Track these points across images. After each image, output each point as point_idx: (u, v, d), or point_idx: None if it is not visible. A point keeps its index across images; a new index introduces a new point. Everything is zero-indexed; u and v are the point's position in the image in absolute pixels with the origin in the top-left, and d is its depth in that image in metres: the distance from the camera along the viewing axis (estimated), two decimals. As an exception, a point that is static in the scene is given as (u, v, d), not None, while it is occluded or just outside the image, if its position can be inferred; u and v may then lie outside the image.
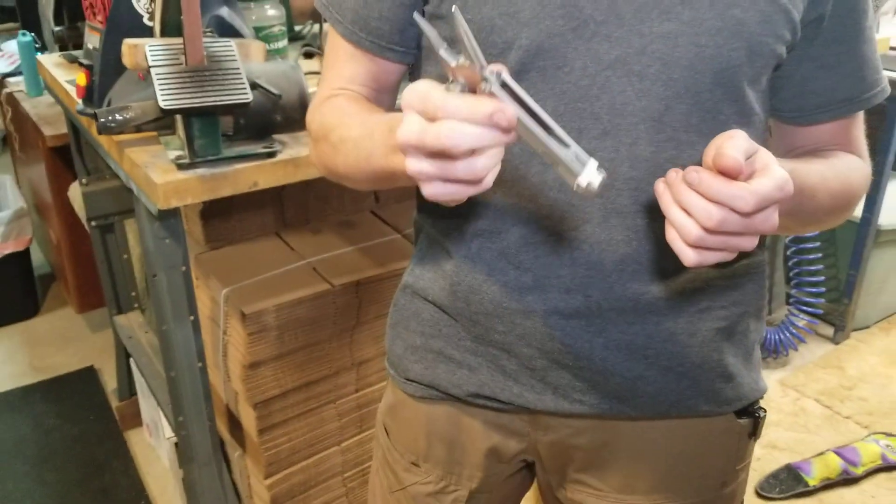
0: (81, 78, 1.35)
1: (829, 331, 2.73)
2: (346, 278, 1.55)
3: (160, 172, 1.19)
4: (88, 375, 2.50)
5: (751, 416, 0.89)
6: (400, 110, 0.58)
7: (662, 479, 0.88)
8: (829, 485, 2.07)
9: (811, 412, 2.37)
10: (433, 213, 0.86)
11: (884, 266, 2.67)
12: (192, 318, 1.36)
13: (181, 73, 1.15)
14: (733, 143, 0.60)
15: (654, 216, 0.72)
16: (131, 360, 2.06)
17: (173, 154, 1.22)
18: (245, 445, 1.66)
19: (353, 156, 0.74)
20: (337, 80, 0.86)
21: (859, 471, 2.08)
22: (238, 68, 1.19)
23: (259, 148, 1.25)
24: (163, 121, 1.23)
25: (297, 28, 1.97)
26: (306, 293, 1.50)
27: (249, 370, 1.49)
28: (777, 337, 2.53)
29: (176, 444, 1.77)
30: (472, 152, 0.54)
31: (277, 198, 1.70)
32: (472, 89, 0.56)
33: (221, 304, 1.51)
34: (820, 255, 2.52)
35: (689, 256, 0.62)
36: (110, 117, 1.20)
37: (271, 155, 1.26)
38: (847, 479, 2.08)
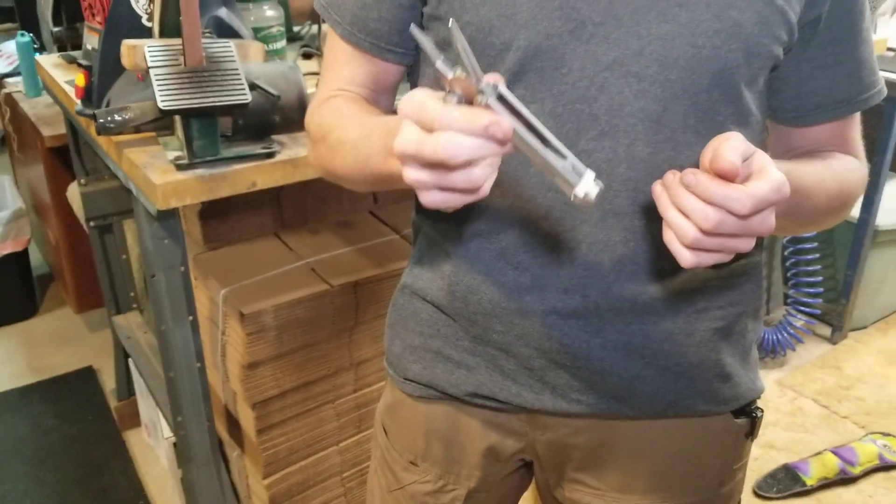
0: (80, 78, 1.35)
1: (827, 331, 2.74)
2: (344, 279, 1.55)
3: (159, 173, 1.19)
4: (87, 376, 2.50)
5: (748, 415, 0.89)
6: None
7: (660, 479, 0.88)
8: (826, 484, 2.07)
9: (809, 412, 2.37)
10: (431, 214, 0.86)
11: (881, 266, 2.68)
12: (190, 318, 1.36)
13: (180, 73, 1.15)
14: (730, 146, 0.60)
15: (652, 217, 0.72)
16: (130, 360, 2.06)
17: (172, 154, 1.22)
18: (243, 445, 1.66)
19: (352, 157, 0.75)
20: (336, 81, 0.86)
21: (857, 470, 2.09)
22: (237, 69, 1.19)
23: (258, 148, 1.26)
24: (162, 121, 1.23)
25: (295, 29, 1.97)
26: (305, 293, 1.50)
27: (248, 370, 1.49)
28: (775, 337, 2.54)
29: (174, 444, 1.77)
30: (469, 163, 0.55)
31: (276, 198, 1.70)
32: (468, 101, 0.56)
33: (220, 305, 1.51)
34: (818, 255, 2.52)
35: (686, 258, 0.63)
36: (109, 118, 1.20)
37: (270, 155, 1.26)
38: (844, 479, 2.09)
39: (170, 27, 1.23)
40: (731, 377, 0.85)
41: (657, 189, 0.65)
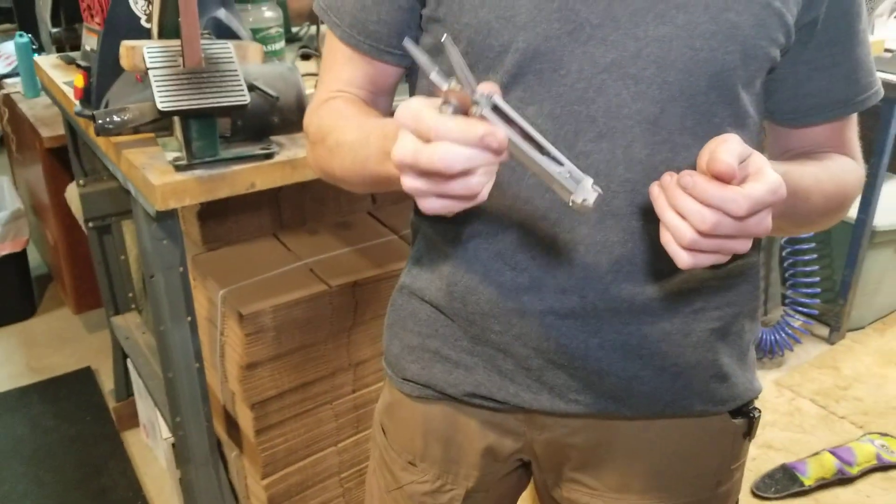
0: (79, 79, 1.35)
1: (825, 331, 2.74)
2: (342, 279, 1.55)
3: (158, 174, 1.19)
4: (85, 376, 2.50)
5: (745, 416, 0.90)
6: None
7: (657, 479, 0.89)
8: (824, 485, 2.07)
9: (806, 412, 2.38)
10: (430, 215, 0.86)
11: (879, 267, 2.68)
12: (189, 318, 1.36)
13: (179, 74, 1.15)
14: (727, 148, 0.61)
15: (650, 218, 0.72)
16: (128, 360, 2.06)
17: (171, 155, 1.22)
18: (242, 446, 1.66)
19: (350, 159, 0.75)
20: (334, 83, 0.86)
21: (854, 471, 2.09)
22: (235, 70, 1.19)
23: (256, 149, 1.26)
24: (160, 122, 1.24)
25: (294, 30, 1.97)
26: (303, 294, 1.50)
27: (246, 371, 1.49)
28: (772, 337, 2.54)
29: (173, 445, 1.78)
30: (466, 172, 0.55)
31: (274, 199, 1.70)
32: (464, 111, 0.57)
33: (219, 305, 1.52)
34: (815, 255, 2.53)
35: (683, 259, 0.63)
36: (108, 119, 1.20)
37: (269, 156, 1.26)
38: (842, 479, 2.09)
39: (168, 28, 1.23)
40: (728, 377, 0.86)
41: (654, 191, 0.65)
